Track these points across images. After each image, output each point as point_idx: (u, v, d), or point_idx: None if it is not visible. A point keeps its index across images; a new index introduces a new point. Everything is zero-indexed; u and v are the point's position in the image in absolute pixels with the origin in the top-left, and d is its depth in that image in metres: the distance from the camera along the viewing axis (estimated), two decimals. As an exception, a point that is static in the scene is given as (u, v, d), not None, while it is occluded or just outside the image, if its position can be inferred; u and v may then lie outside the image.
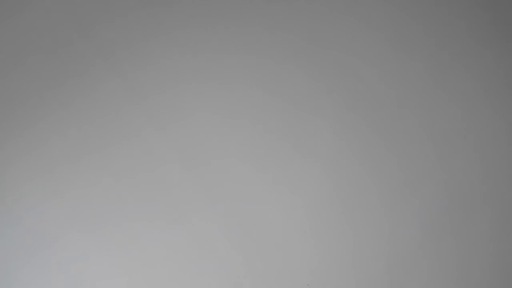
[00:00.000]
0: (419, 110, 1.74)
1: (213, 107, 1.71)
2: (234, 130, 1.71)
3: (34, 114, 1.67)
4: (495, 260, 1.71)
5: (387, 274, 1.69)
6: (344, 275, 1.69)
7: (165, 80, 1.71)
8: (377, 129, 1.73)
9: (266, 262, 1.68)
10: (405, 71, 1.75)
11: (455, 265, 1.71)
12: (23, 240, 1.63)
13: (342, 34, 1.75)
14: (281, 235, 1.69)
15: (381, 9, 1.77)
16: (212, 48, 1.72)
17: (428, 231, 1.71)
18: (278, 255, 1.68)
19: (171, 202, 1.67)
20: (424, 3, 1.78)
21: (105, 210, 1.65)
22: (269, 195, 1.69)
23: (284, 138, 1.71)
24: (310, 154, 1.71)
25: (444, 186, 1.72)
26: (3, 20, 1.69)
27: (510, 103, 1.76)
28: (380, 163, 1.72)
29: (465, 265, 1.71)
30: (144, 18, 1.72)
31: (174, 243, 1.66)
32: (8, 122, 1.66)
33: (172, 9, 1.73)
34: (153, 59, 1.71)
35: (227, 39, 1.73)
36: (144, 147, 1.68)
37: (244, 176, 1.69)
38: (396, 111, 1.74)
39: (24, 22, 1.69)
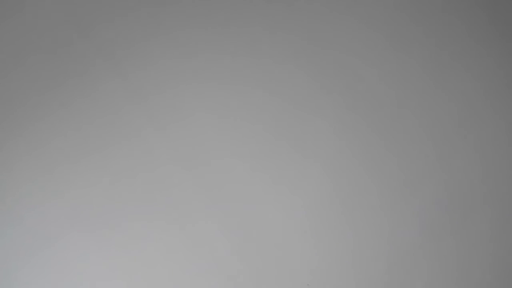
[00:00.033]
0: (419, 110, 1.75)
1: (213, 107, 1.71)
2: (234, 130, 1.71)
3: (34, 114, 1.67)
4: (495, 260, 1.72)
5: (387, 274, 1.69)
6: (344, 275, 1.69)
7: (165, 80, 1.71)
8: (377, 129, 1.73)
9: (266, 262, 1.68)
10: (405, 71, 1.76)
11: (455, 265, 1.71)
12: (23, 240, 1.63)
13: (342, 34, 1.75)
14: (281, 235, 1.69)
15: (381, 9, 1.77)
16: (212, 48, 1.72)
17: (428, 231, 1.71)
18: (278, 255, 1.68)
19: (171, 202, 1.67)
20: (424, 3, 1.78)
21: (105, 210, 1.65)
22: (269, 195, 1.69)
23: (284, 138, 1.71)
24: (310, 154, 1.71)
25: (444, 186, 1.72)
26: (3, 20, 1.69)
27: (510, 103, 1.76)
28: (380, 163, 1.72)
29: (465, 265, 1.71)
30: (144, 18, 1.72)
31: (174, 243, 1.66)
32: (8, 122, 1.66)
33: (172, 9, 1.73)
34: (153, 59, 1.71)
35: (227, 39, 1.73)
36: (144, 147, 1.68)
37: (244, 176, 1.69)
38: (396, 111, 1.74)
39: (24, 22, 1.69)
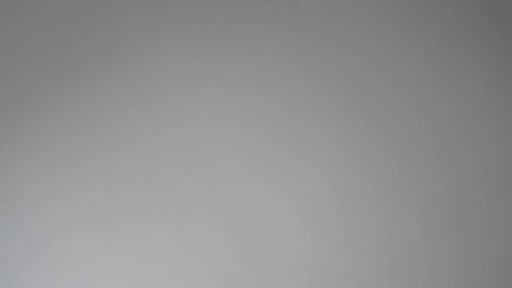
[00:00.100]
0: (419, 110, 1.74)
1: (213, 107, 1.71)
2: (234, 130, 1.71)
3: (34, 114, 1.67)
4: (495, 260, 1.72)
5: (387, 274, 1.69)
6: (344, 275, 1.69)
7: (165, 80, 1.71)
8: (377, 129, 1.73)
9: (266, 262, 1.68)
10: (405, 71, 1.75)
11: (455, 265, 1.71)
12: (23, 240, 1.63)
13: (342, 34, 1.75)
14: (281, 235, 1.69)
15: (381, 9, 1.77)
16: (212, 48, 1.72)
17: (428, 231, 1.71)
18: (278, 255, 1.68)
19: (171, 202, 1.67)
20: (424, 3, 1.78)
21: (105, 210, 1.65)
22: (269, 195, 1.69)
23: (284, 138, 1.71)
24: (310, 154, 1.71)
25: (444, 186, 1.72)
26: (3, 20, 1.69)
27: (510, 103, 1.76)
28: (380, 163, 1.72)
29: (465, 265, 1.71)
30: (144, 18, 1.72)
31: (174, 243, 1.66)
32: (8, 122, 1.66)
33: (172, 9, 1.73)
34: (153, 59, 1.71)
35: (227, 39, 1.73)
36: (144, 147, 1.68)
37: (244, 176, 1.69)
38: (396, 111, 1.74)
39: (24, 22, 1.69)
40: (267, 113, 1.72)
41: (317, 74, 1.74)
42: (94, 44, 1.70)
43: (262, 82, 1.72)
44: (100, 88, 1.69)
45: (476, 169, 1.73)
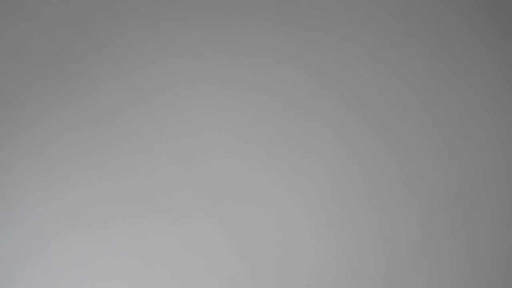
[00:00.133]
0: (419, 110, 1.74)
1: (213, 107, 1.71)
2: (234, 130, 1.71)
3: (34, 114, 1.67)
4: (495, 260, 1.72)
5: (387, 274, 1.69)
6: (344, 275, 1.69)
7: (165, 80, 1.71)
8: (377, 129, 1.73)
9: (266, 262, 1.68)
10: (405, 71, 1.75)
11: (455, 265, 1.71)
12: (23, 240, 1.63)
13: (342, 34, 1.75)
14: (281, 235, 1.69)
15: (381, 9, 1.77)
16: (212, 48, 1.72)
17: (428, 231, 1.71)
18: (278, 255, 1.68)
19: (171, 202, 1.67)
20: (424, 3, 1.78)
21: (105, 210, 1.65)
22: (269, 195, 1.69)
23: (284, 138, 1.71)
24: (310, 154, 1.71)
25: (444, 186, 1.72)
26: (3, 20, 1.69)
27: (510, 103, 1.76)
28: (380, 163, 1.72)
29: (465, 265, 1.71)
30: (144, 18, 1.72)
31: (174, 243, 1.66)
32: (8, 122, 1.66)
33: (172, 9, 1.73)
34: (153, 59, 1.71)
35: (227, 39, 1.73)
36: (144, 147, 1.68)
37: (244, 176, 1.69)
38: (396, 111, 1.74)
39: (24, 22, 1.69)
40: (267, 113, 1.72)
41: (317, 74, 1.74)
42: (94, 44, 1.70)
43: (262, 82, 1.72)
44: (100, 88, 1.69)
45: (476, 169, 1.73)
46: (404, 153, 1.73)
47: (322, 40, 1.75)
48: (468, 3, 1.78)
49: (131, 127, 1.69)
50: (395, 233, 1.70)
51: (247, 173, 1.69)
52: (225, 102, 1.71)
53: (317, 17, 1.75)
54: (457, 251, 1.71)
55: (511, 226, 1.72)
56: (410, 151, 1.73)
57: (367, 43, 1.75)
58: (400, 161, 1.73)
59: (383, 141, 1.73)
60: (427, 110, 1.75)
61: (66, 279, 1.63)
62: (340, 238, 1.70)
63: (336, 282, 1.68)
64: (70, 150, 1.66)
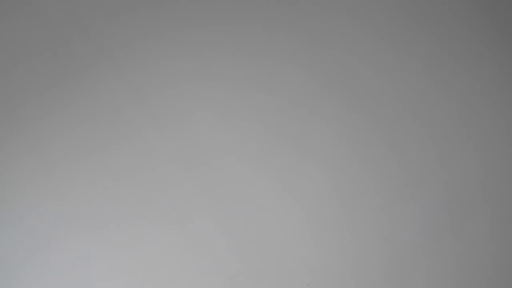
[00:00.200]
0: (419, 110, 1.74)
1: (213, 107, 1.71)
2: (234, 130, 1.70)
3: (34, 114, 1.67)
4: (495, 260, 1.72)
5: (387, 274, 1.69)
6: (344, 275, 1.69)
7: (165, 80, 1.71)
8: (377, 129, 1.73)
9: (266, 262, 1.68)
10: (405, 71, 1.75)
11: (455, 265, 1.71)
12: (23, 240, 1.63)
13: (342, 34, 1.75)
14: (281, 235, 1.69)
15: (381, 9, 1.77)
16: (212, 48, 1.72)
17: (428, 231, 1.71)
18: (278, 255, 1.68)
19: (171, 202, 1.67)
20: (424, 3, 1.78)
21: (105, 210, 1.65)
22: (269, 195, 1.69)
23: (284, 138, 1.71)
24: (310, 154, 1.71)
25: (444, 186, 1.72)
26: (3, 20, 1.69)
27: (510, 103, 1.76)
28: (380, 163, 1.72)
29: (465, 265, 1.71)
30: (144, 18, 1.72)
31: (174, 243, 1.66)
32: (8, 122, 1.66)
33: (173, 9, 1.73)
34: (153, 59, 1.71)
35: (227, 39, 1.73)
36: (144, 147, 1.68)
37: (244, 176, 1.69)
38: (396, 111, 1.74)
39: (24, 22, 1.69)
40: (267, 113, 1.72)
41: (317, 74, 1.74)
42: (94, 44, 1.70)
43: (262, 82, 1.72)
44: (100, 88, 1.69)
45: (476, 169, 1.73)
46: (404, 153, 1.73)
47: (322, 40, 1.75)
48: (468, 3, 1.78)
49: (131, 127, 1.69)
50: (395, 233, 1.70)
51: (247, 173, 1.69)
52: (225, 102, 1.71)
53: (317, 17, 1.75)
54: (457, 251, 1.71)
55: (511, 226, 1.72)
56: (410, 151, 1.73)
57: (367, 43, 1.75)
58: (400, 161, 1.73)
59: (383, 141, 1.73)
60: (427, 110, 1.75)
61: (66, 279, 1.63)
62: (340, 238, 1.70)
63: (336, 282, 1.68)
64: (70, 150, 1.66)
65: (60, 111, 1.67)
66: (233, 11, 1.74)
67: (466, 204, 1.72)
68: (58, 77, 1.68)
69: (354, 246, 1.70)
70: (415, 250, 1.70)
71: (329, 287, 1.68)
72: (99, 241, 1.64)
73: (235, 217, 1.68)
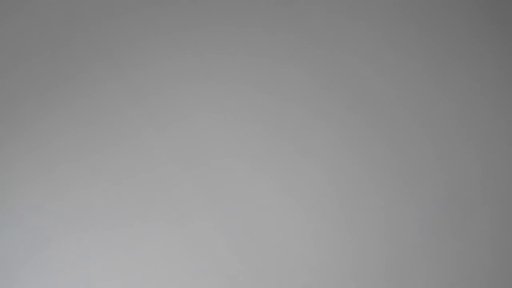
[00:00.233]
0: (419, 110, 1.75)
1: (213, 107, 1.71)
2: (234, 130, 1.71)
3: (34, 114, 1.67)
4: (495, 260, 1.72)
5: (387, 274, 1.69)
6: (344, 275, 1.69)
7: (165, 80, 1.71)
8: (377, 129, 1.73)
9: (266, 262, 1.68)
10: (405, 71, 1.76)
11: (455, 265, 1.71)
12: (23, 240, 1.63)
13: (342, 34, 1.75)
14: (280, 235, 1.69)
15: (381, 9, 1.77)
16: (212, 48, 1.72)
17: (428, 231, 1.71)
18: (277, 255, 1.68)
19: (171, 202, 1.67)
20: (425, 3, 1.78)
21: (105, 210, 1.65)
22: (269, 195, 1.69)
23: (284, 138, 1.71)
24: (310, 154, 1.71)
25: (444, 186, 1.72)
26: (3, 20, 1.69)
27: (510, 103, 1.76)
28: (380, 163, 1.72)
29: (465, 265, 1.71)
30: (144, 18, 1.72)
31: (174, 243, 1.66)
32: (8, 122, 1.66)
33: (173, 9, 1.73)
34: (153, 59, 1.71)
35: (227, 39, 1.73)
36: (144, 147, 1.68)
37: (244, 176, 1.69)
38: (396, 111, 1.74)
39: (24, 22, 1.69)
40: (267, 113, 1.72)
41: (317, 73, 1.74)
42: (94, 44, 1.70)
43: (262, 82, 1.72)
44: (100, 88, 1.69)
45: (476, 169, 1.73)
46: (404, 153, 1.73)
47: (322, 40, 1.75)
48: (468, 3, 1.79)
49: (131, 127, 1.69)
50: (395, 233, 1.70)
51: (247, 173, 1.69)
52: (225, 102, 1.71)
53: (317, 17, 1.75)
54: (457, 251, 1.71)
55: (511, 226, 1.72)
56: (410, 151, 1.73)
57: (367, 43, 1.75)
58: (400, 161, 1.73)
59: (383, 141, 1.73)
60: (427, 110, 1.75)
61: (66, 279, 1.63)
62: (340, 238, 1.70)
63: (336, 282, 1.68)
64: (70, 150, 1.66)
65: (60, 111, 1.68)
66: (233, 11, 1.74)
67: (466, 204, 1.72)
68: (58, 77, 1.68)
69: (354, 246, 1.70)
70: (415, 250, 1.70)
71: (329, 287, 1.68)
72: (99, 241, 1.64)
73: (235, 217, 1.68)
